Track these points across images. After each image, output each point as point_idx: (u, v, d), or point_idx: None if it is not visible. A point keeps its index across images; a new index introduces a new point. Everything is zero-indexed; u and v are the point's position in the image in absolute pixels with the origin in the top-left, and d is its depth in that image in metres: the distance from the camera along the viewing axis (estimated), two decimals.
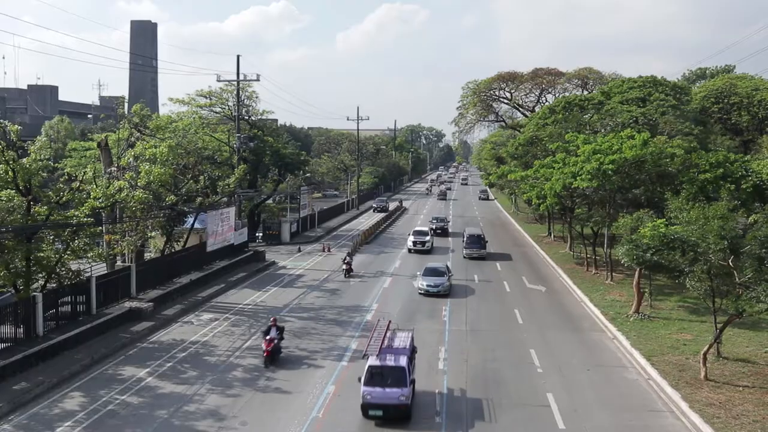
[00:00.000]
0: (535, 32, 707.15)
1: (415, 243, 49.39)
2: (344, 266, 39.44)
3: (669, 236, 23.67)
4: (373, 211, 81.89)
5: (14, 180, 24.26)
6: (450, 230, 60.45)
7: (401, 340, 19.58)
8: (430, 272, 35.20)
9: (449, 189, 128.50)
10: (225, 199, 41.86)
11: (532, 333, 27.31)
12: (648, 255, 25.34)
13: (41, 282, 25.83)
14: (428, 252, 48.52)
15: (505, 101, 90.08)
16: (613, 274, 37.69)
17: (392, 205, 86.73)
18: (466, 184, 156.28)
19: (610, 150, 36.17)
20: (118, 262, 34.45)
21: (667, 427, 18.08)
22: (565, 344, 25.75)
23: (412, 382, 18.55)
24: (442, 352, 24.38)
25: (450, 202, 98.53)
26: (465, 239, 47.44)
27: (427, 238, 49.55)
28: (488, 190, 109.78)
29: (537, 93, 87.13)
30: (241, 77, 47.33)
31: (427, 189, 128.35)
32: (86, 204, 26.08)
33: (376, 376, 17.82)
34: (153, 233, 35.53)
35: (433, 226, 58.45)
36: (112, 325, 26.18)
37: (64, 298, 25.39)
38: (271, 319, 24.08)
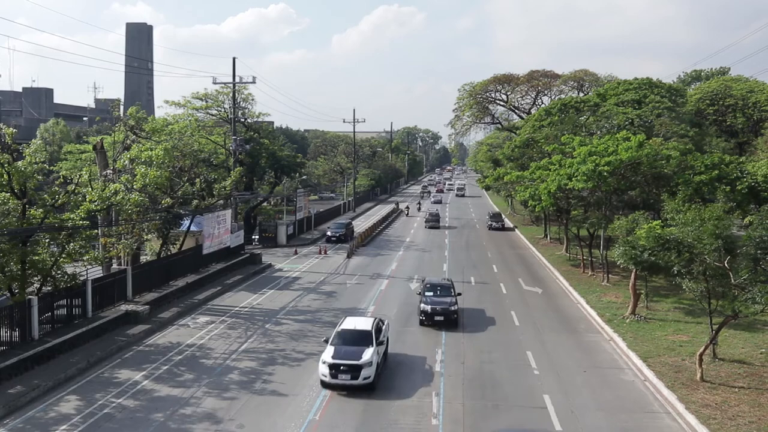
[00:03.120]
0: (531, 34, 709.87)
1: (333, 376, 20.38)
2: None
3: (665, 237, 23.73)
4: (326, 241, 56.39)
5: (9, 183, 24.19)
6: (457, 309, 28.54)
7: None
8: None
9: (440, 202, 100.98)
10: (221, 201, 41.82)
11: (529, 335, 27.32)
12: (645, 255, 25.37)
13: (37, 285, 25.75)
14: (370, 389, 20.36)
15: (501, 103, 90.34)
16: (610, 275, 37.76)
17: (388, 208, 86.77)
18: (463, 195, 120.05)
19: (605, 152, 36.24)
20: (114, 265, 34.34)
21: (663, 429, 18.10)
22: (562, 346, 25.76)
23: None
24: (439, 354, 24.37)
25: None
26: None
27: (366, 356, 20.56)
28: (502, 214, 73.41)
29: (533, 95, 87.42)
30: (237, 79, 47.33)
31: (406, 209, 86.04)
32: (82, 207, 26.02)
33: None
34: (149, 236, 35.45)
35: (428, 309, 28.02)
36: (108, 328, 26.11)
37: (59, 301, 25.29)
38: None
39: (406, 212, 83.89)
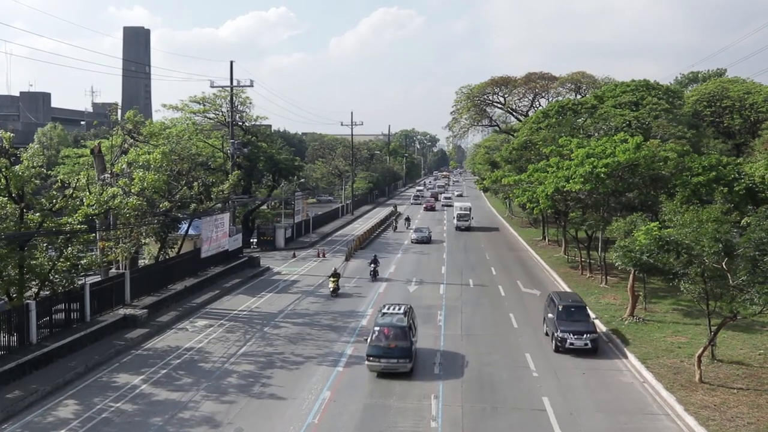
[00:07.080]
0: (528, 37, 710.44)
1: None
2: None
3: (664, 239, 23.75)
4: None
5: (7, 187, 24.14)
6: None
7: None
8: None
9: (428, 240, 56.63)
10: (219, 205, 41.77)
11: (528, 337, 27.31)
12: (644, 258, 25.39)
13: (35, 290, 25.69)
14: None
15: (499, 106, 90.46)
16: (608, 277, 37.77)
17: (386, 211, 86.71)
18: (468, 227, 67.31)
19: (603, 154, 36.31)
20: (113, 269, 34.28)
21: (662, 430, 18.10)
22: None
23: None
24: (438, 356, 24.37)
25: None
26: None
27: None
28: (586, 306, 27.03)
29: (530, 97, 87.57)
30: (235, 83, 47.34)
31: (340, 269, 40.94)
32: (80, 211, 25.99)
33: None
34: (147, 240, 35.42)
35: None
36: (107, 333, 26.06)
37: (58, 305, 25.26)
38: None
39: (336, 273, 36.35)
